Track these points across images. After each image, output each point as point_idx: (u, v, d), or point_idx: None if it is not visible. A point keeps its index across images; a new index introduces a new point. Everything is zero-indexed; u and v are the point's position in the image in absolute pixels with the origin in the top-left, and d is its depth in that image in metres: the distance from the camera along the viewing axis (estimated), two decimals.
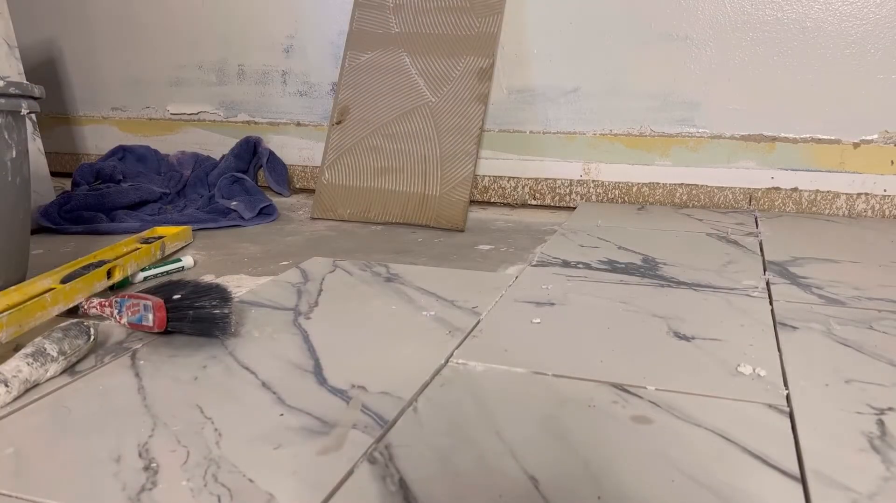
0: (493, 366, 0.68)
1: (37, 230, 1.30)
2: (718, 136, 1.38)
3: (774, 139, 1.36)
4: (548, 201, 1.49)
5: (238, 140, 1.69)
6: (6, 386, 0.61)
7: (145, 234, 1.13)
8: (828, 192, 1.35)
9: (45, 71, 1.94)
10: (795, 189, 1.36)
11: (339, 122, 1.45)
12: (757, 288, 0.91)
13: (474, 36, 1.41)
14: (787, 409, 0.60)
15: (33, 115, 1.43)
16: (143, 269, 1.00)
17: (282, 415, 0.59)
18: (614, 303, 0.86)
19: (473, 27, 1.41)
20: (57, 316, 0.80)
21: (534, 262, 1.03)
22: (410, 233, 1.27)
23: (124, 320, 0.76)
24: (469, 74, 1.39)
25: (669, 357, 0.71)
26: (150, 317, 0.74)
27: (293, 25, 1.65)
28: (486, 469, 0.51)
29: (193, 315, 0.74)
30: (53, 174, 1.54)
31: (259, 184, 1.70)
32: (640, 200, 1.44)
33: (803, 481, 0.50)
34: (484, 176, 1.52)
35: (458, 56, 1.41)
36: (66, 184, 1.66)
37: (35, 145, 1.41)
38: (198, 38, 1.76)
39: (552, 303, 0.86)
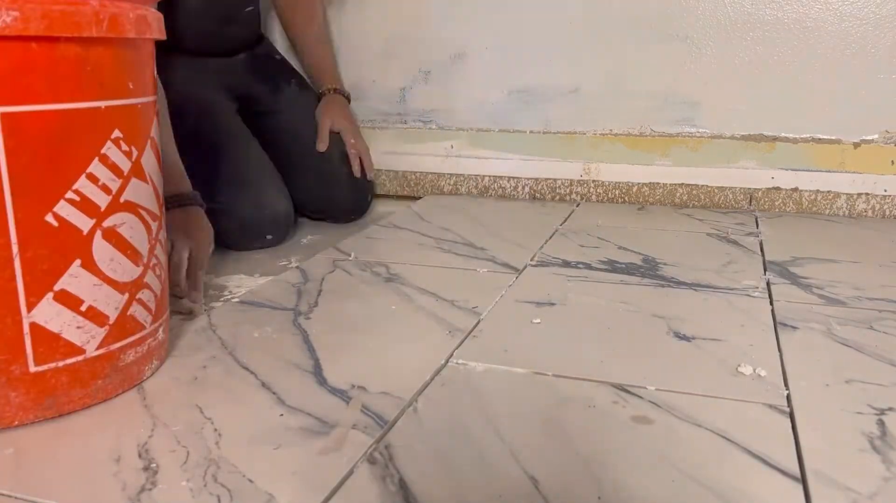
0: (493, 367, 0.68)
1: None
2: (719, 135, 1.38)
3: (775, 139, 1.36)
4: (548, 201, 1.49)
5: None
6: None
7: None
8: (828, 192, 1.35)
9: None
10: (796, 189, 1.36)
11: None
12: (757, 288, 0.91)
13: None
14: (788, 410, 0.60)
15: None
16: None
17: (282, 415, 0.59)
18: (614, 303, 0.86)
19: None
20: None
21: (534, 262, 1.03)
22: None
23: None
24: None
25: (669, 357, 0.71)
26: None
27: None
28: (486, 469, 0.51)
29: None
30: None
31: None
32: (640, 200, 1.44)
33: (803, 481, 0.50)
34: (484, 176, 1.52)
35: None
36: None
37: None
38: None
39: (552, 303, 0.86)
